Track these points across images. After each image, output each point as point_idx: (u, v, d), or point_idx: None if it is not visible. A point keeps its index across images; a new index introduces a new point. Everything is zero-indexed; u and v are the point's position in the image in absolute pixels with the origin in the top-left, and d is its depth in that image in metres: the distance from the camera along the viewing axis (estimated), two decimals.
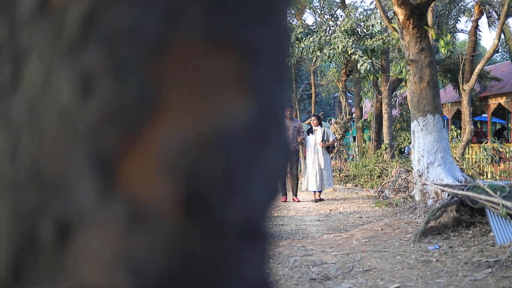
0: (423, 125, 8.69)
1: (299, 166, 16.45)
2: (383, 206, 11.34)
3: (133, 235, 0.55)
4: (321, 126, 14.81)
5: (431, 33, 8.88)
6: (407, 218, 8.45)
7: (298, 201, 14.19)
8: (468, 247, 6.26)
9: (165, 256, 0.55)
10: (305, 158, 15.11)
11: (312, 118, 15.13)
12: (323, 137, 14.42)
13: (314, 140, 14.44)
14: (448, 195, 7.64)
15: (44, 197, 0.58)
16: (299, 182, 15.04)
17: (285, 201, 14.20)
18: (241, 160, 0.58)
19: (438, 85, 8.96)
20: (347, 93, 30.05)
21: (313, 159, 14.32)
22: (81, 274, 0.56)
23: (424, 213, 8.13)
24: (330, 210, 12.13)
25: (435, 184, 8.32)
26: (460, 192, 7.30)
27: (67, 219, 0.56)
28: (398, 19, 8.74)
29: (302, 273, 5.54)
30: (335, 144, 16.93)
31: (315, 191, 14.34)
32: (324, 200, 14.28)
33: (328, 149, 14.69)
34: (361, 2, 51.53)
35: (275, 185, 0.65)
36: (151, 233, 0.55)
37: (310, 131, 14.71)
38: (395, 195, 12.47)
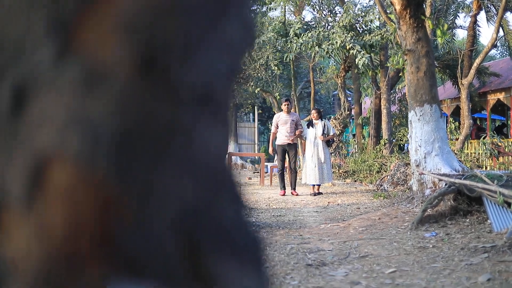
0: (420, 115, 8.67)
1: (297, 160, 16.01)
2: (381, 198, 11.34)
3: (88, 97, 0.55)
4: (322, 119, 14.58)
5: (428, 23, 8.87)
6: (405, 208, 8.44)
7: (297, 194, 13.94)
8: (465, 234, 6.26)
9: (119, 117, 0.55)
10: (303, 152, 14.84)
11: (312, 111, 14.83)
12: (323, 130, 14.20)
13: (314, 134, 14.22)
14: (446, 184, 7.64)
15: (1, 63, 0.57)
16: (297, 176, 14.77)
17: (284, 195, 14.03)
18: (199, 26, 0.58)
19: (435, 75, 8.94)
20: (347, 91, 30.03)
21: (312, 152, 14.10)
22: (35, 138, 0.55)
23: (421, 202, 8.12)
24: (328, 203, 12.12)
25: (432, 173, 8.31)
26: (457, 181, 7.29)
27: (23, 84, 0.56)
28: (395, 9, 8.73)
29: (298, 259, 5.53)
30: (334, 139, 16.64)
31: (314, 185, 14.15)
32: (322, 193, 14.08)
33: (328, 142, 14.46)
34: None
35: (237, 58, 0.64)
36: (106, 94, 0.55)
37: (310, 124, 14.48)
38: (394, 188, 12.47)
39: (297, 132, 14.18)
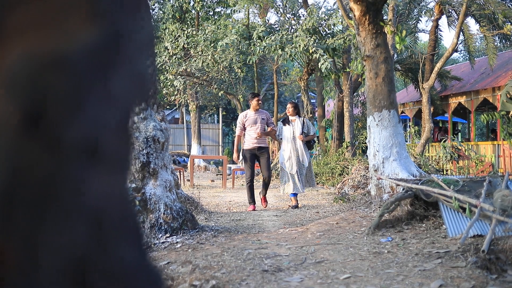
0: (379, 120, 8.75)
1: (271, 167, 13.74)
2: (341, 202, 11.39)
3: None
4: (299, 116, 12.62)
5: (387, 29, 8.95)
6: (363, 213, 8.50)
7: (266, 205, 12.18)
8: (420, 239, 6.33)
9: (2, 172, 0.56)
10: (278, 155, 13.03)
11: (288, 106, 12.78)
12: (302, 129, 12.32)
13: (291, 132, 12.31)
14: (403, 189, 7.72)
15: None
16: (270, 183, 12.65)
17: (254, 209, 11.86)
18: (84, 82, 0.60)
19: (393, 81, 9.03)
20: (311, 93, 30.14)
21: (290, 155, 12.20)
22: None
23: (379, 207, 8.18)
24: (289, 206, 12.13)
25: (389, 178, 8.39)
26: (414, 186, 7.36)
27: None
28: (354, 15, 8.81)
29: (254, 265, 5.54)
30: (315, 139, 14.49)
31: (294, 194, 12.18)
32: (298, 207, 12.06)
33: (309, 143, 12.51)
34: (324, 1, 51.65)
35: (126, 111, 0.66)
36: None
37: (286, 121, 12.53)
38: (354, 191, 12.52)
39: (268, 129, 12.40)
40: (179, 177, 19.67)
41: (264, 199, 12.27)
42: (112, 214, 0.66)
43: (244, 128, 12.33)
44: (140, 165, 7.56)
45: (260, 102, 12.39)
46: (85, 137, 0.60)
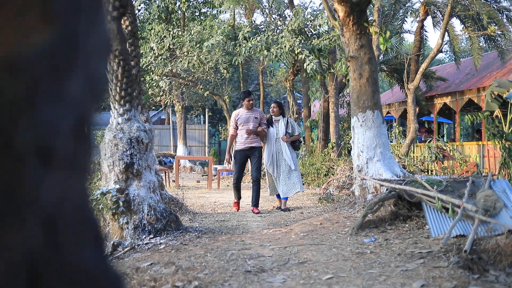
0: (363, 121, 8.78)
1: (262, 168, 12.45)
2: (326, 202, 11.38)
3: None
4: (283, 116, 11.99)
5: (371, 30, 8.97)
6: (347, 213, 8.52)
7: (258, 212, 11.16)
8: (403, 239, 6.35)
9: None
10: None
11: (272, 105, 12.13)
12: (286, 129, 11.73)
13: (274, 133, 11.73)
14: (387, 189, 7.73)
15: None
16: (260, 186, 11.86)
17: (237, 208, 11.81)
18: (38, 85, 0.59)
19: (377, 81, 9.06)
20: (297, 93, 30.19)
21: (272, 157, 11.60)
22: None
23: (363, 207, 8.20)
24: (273, 207, 12.12)
25: (373, 179, 8.41)
26: (397, 186, 7.38)
27: None
28: (339, 16, 8.83)
29: (237, 266, 5.54)
30: (301, 139, 12.87)
31: (279, 197, 11.66)
32: (290, 210, 11.41)
33: (294, 144, 11.83)
34: (310, 2, 51.67)
35: (80, 114, 0.65)
36: None
37: (269, 122, 11.89)
38: (339, 192, 12.52)
39: (259, 129, 11.58)
40: (164, 178, 19.67)
41: (256, 208, 11.35)
42: (67, 216, 0.65)
43: (237, 127, 11.69)
44: (123, 166, 7.53)
45: (252, 101, 11.72)
46: (38, 139, 0.60)
